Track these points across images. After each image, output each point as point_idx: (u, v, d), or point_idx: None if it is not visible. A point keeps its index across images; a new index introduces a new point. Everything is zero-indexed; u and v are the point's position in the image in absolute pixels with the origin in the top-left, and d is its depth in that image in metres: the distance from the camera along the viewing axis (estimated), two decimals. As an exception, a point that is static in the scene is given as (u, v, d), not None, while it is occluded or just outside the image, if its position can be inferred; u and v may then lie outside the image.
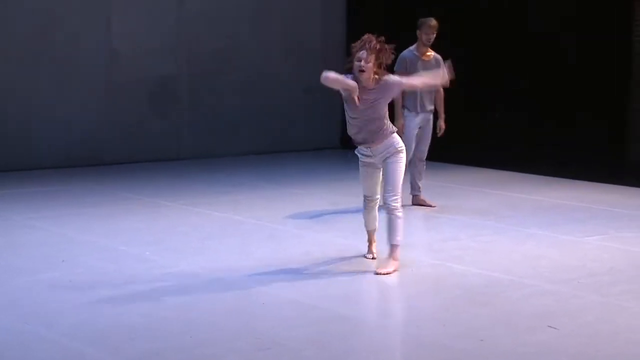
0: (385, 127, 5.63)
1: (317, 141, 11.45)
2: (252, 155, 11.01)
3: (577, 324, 4.74)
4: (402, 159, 5.66)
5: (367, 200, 5.90)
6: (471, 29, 11.07)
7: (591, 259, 6.11)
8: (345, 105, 5.69)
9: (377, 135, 5.61)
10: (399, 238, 5.67)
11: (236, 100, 11.16)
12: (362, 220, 6.03)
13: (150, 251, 6.24)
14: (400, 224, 5.65)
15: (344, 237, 6.69)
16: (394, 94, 5.81)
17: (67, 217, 7.37)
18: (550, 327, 4.65)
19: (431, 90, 7.47)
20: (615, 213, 7.59)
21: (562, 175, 9.33)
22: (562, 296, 5.22)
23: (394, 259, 5.70)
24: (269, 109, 11.34)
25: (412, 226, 6.97)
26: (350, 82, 5.52)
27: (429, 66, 7.32)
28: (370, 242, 6.06)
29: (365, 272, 5.77)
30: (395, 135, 5.67)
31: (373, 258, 5.99)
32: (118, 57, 10.35)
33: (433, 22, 7.49)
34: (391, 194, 5.61)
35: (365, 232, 6.06)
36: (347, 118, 5.71)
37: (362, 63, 5.47)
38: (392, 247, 5.71)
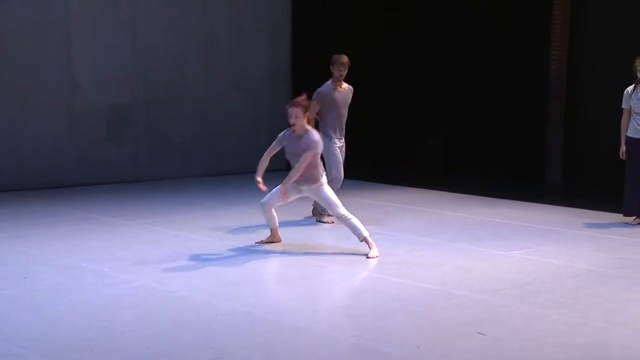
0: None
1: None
2: (204, 178, 10.93)
3: (504, 330, 4.78)
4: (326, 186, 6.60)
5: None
6: (408, 58, 11.20)
7: (516, 271, 6.18)
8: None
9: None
10: (362, 232, 6.51)
11: (188, 126, 11.09)
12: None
13: (109, 267, 6.13)
14: (355, 223, 6.53)
15: (297, 251, 6.68)
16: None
17: (28, 237, 7.21)
18: (480, 333, 4.68)
19: (341, 121, 7.84)
20: (536, 229, 7.69)
21: (487, 194, 9.44)
22: (490, 305, 5.26)
23: (371, 246, 6.50)
24: (218, 136, 11.29)
25: (351, 241, 6.99)
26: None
27: (344, 96, 7.85)
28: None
29: (310, 284, 5.75)
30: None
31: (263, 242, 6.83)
32: (78, 87, 10.21)
33: (344, 59, 7.80)
34: (336, 208, 6.55)
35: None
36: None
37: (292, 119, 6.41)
38: (364, 241, 6.50)
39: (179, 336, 4.63)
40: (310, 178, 6.56)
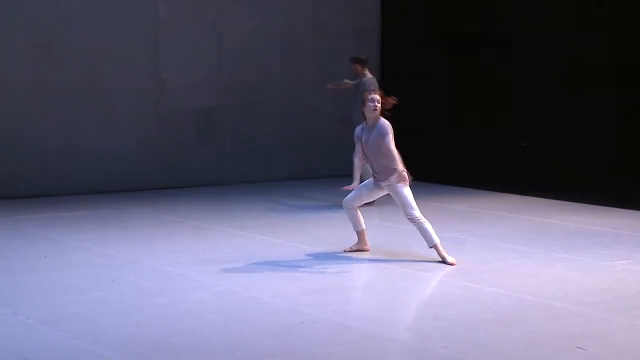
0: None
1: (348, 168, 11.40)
2: (289, 181, 10.99)
3: (605, 345, 4.62)
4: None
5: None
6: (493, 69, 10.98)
7: (618, 282, 5.98)
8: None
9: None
10: (433, 238, 6.48)
11: (273, 129, 11.18)
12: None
13: (195, 271, 6.21)
14: (427, 227, 6.49)
15: (384, 257, 6.64)
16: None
17: (114, 239, 7.37)
18: (579, 348, 4.53)
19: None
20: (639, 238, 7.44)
21: (585, 200, 9.16)
22: (589, 318, 5.10)
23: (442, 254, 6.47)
24: (303, 137, 11.33)
25: (444, 248, 6.92)
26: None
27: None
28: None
29: (398, 292, 5.70)
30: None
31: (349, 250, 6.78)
32: (166, 90, 10.43)
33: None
34: (410, 209, 6.50)
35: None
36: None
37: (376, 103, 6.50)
38: (435, 246, 6.47)
39: (264, 342, 4.64)
40: (383, 170, 6.50)
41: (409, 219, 6.57)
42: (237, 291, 5.70)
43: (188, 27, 10.54)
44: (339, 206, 8.99)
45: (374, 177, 6.63)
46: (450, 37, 11.31)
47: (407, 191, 6.57)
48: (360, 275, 6.40)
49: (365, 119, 6.60)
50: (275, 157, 11.23)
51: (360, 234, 6.86)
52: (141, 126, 10.32)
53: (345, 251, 6.83)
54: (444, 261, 6.45)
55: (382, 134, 6.46)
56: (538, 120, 10.65)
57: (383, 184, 6.59)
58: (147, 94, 10.36)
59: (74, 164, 9.96)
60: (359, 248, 6.85)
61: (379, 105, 6.52)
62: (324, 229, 7.86)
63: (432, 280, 6.08)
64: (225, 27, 10.79)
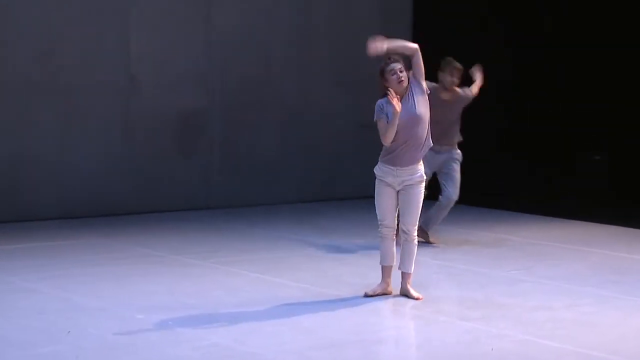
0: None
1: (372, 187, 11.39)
2: (296, 204, 10.99)
3: None
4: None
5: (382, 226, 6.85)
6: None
7: None
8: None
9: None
10: (412, 265, 6.79)
11: (276, 136, 11.18)
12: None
13: (174, 321, 6.20)
14: (415, 250, 6.79)
15: (414, 302, 6.63)
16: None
17: (73, 279, 7.36)
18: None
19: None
20: None
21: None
22: (684, 383, 5.08)
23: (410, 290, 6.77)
24: (315, 148, 11.33)
25: (494, 291, 6.93)
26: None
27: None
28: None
29: (434, 348, 5.67)
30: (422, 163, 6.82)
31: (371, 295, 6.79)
32: (138, 88, 10.46)
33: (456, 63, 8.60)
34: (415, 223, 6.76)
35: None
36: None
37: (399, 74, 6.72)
38: (408, 275, 6.74)
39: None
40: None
41: (405, 231, 6.71)
42: (230, 346, 5.68)
43: (167, 7, 10.56)
44: (362, 237, 9.02)
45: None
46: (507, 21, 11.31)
47: (422, 196, 6.74)
48: (385, 324, 6.40)
49: (386, 94, 6.70)
50: (279, 174, 11.22)
51: (385, 271, 6.88)
52: (107, 134, 10.34)
53: (366, 295, 6.82)
54: (407, 294, 6.71)
55: (425, 93, 6.80)
56: (615, 124, 10.61)
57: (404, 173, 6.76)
58: (115, 93, 10.36)
59: (22, 182, 9.99)
60: (383, 291, 6.86)
61: (404, 74, 6.70)
62: (341, 267, 7.85)
63: (478, 332, 6.05)
64: (215, 7, 10.81)
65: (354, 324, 6.23)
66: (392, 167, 6.73)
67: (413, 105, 6.71)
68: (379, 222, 6.83)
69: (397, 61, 6.73)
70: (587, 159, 10.79)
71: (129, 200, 10.37)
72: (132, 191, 10.42)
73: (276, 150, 11.20)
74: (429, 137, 6.79)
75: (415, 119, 6.69)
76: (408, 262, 6.76)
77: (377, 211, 6.84)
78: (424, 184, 6.78)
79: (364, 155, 11.44)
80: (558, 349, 5.66)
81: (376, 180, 6.83)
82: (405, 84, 6.72)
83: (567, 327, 6.12)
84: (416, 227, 6.78)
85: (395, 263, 6.84)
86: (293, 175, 11.26)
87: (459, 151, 8.73)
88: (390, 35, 11.81)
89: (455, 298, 6.83)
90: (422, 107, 6.73)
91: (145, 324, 6.14)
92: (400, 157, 6.70)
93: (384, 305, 6.67)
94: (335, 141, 11.46)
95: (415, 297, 6.72)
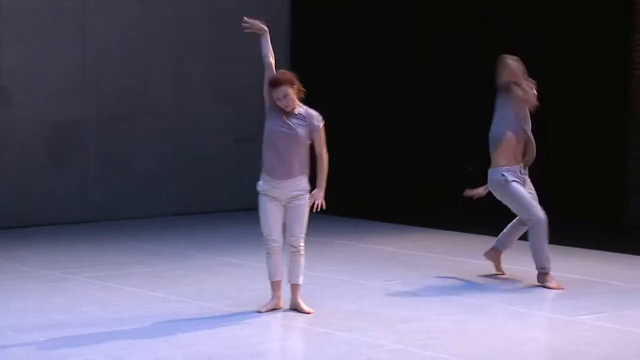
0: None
1: (251, 200, 11.38)
2: (174, 217, 10.91)
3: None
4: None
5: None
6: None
7: (586, 343, 6.10)
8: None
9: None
10: (302, 277, 6.76)
11: (154, 149, 11.08)
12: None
13: (46, 337, 6.07)
14: (303, 263, 6.76)
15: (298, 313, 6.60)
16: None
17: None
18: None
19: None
20: (613, 287, 7.63)
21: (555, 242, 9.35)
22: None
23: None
24: (192, 161, 11.27)
25: (369, 301, 6.99)
26: None
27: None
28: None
29: (312, 358, 5.68)
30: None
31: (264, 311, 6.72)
32: (9, 99, 10.24)
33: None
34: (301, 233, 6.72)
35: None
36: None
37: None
38: (298, 286, 6.70)
39: None
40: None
41: (294, 243, 6.69)
42: (102, 362, 5.59)
43: (39, 16, 10.37)
44: (243, 249, 8.98)
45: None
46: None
47: (307, 208, 6.73)
48: (263, 337, 6.37)
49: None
50: (157, 187, 11.12)
51: (274, 286, 6.81)
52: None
53: (259, 311, 6.73)
54: (297, 308, 6.69)
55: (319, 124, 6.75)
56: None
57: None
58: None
59: None
60: (274, 306, 6.80)
61: (288, 99, 6.67)
62: (219, 280, 7.81)
63: (355, 342, 6.08)
64: (91, 17, 10.67)
65: (232, 337, 6.20)
66: (273, 180, 6.67)
67: (294, 125, 6.65)
68: (266, 238, 6.73)
69: (284, 85, 6.66)
70: (461, 170, 10.99)
71: (1, 215, 10.14)
72: (4, 205, 10.20)
73: (153, 163, 11.10)
74: (305, 161, 6.71)
75: (292, 137, 6.64)
76: (297, 273, 6.71)
77: (262, 227, 6.75)
78: (307, 196, 6.71)
79: (241, 168, 11.48)
80: (431, 357, 5.72)
81: (260, 196, 6.75)
82: (290, 108, 6.67)
83: (439, 336, 6.20)
84: (304, 239, 6.72)
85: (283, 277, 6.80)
86: (170, 188, 11.17)
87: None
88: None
89: (332, 309, 6.84)
90: (301, 130, 6.65)
91: (15, 341, 5.99)
92: (278, 170, 6.66)
93: (264, 319, 6.65)
94: (213, 154, 11.42)
95: (306, 311, 6.69)
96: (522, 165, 7.65)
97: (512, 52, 7.74)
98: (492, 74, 7.75)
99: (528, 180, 7.70)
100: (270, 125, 6.71)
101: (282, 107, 6.66)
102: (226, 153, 11.46)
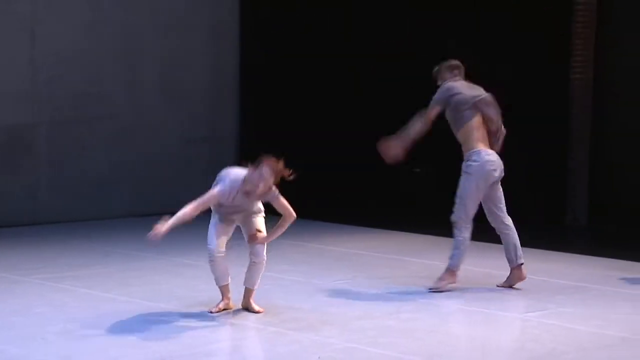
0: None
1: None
2: (127, 219, 10.88)
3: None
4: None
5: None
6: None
7: (530, 340, 6.20)
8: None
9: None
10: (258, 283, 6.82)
11: (105, 152, 11.05)
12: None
13: (0, 339, 6.06)
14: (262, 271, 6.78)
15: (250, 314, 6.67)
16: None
17: None
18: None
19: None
20: (556, 285, 7.72)
21: (490, 239, 9.41)
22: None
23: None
24: (146, 163, 11.26)
25: (320, 300, 7.06)
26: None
27: None
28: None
29: (264, 356, 5.69)
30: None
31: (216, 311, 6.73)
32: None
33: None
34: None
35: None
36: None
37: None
38: (252, 291, 6.75)
39: None
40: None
41: (255, 256, 6.70)
42: (56, 362, 5.59)
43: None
44: (194, 250, 8.96)
45: None
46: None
47: (263, 221, 6.80)
48: (217, 337, 6.38)
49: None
50: (110, 189, 11.09)
51: (222, 290, 6.84)
52: None
53: (210, 312, 6.77)
54: (248, 308, 6.74)
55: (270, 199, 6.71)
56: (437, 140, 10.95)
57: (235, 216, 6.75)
58: None
59: None
60: (225, 306, 6.82)
61: (260, 191, 6.53)
62: (173, 281, 7.82)
63: (306, 341, 6.13)
64: (41, 21, 10.61)
65: (186, 337, 6.21)
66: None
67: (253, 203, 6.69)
68: (210, 248, 6.70)
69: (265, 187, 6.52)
70: (408, 171, 11.08)
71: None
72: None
73: (106, 165, 11.08)
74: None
75: (247, 212, 6.74)
76: (254, 279, 6.74)
77: (209, 238, 6.73)
78: (262, 213, 6.78)
79: (193, 170, 11.49)
80: (381, 355, 5.79)
81: (215, 214, 6.80)
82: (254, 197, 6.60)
83: (389, 334, 6.26)
84: (265, 249, 6.73)
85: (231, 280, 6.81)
86: (124, 189, 11.16)
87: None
88: (216, 49, 11.86)
89: (284, 308, 6.89)
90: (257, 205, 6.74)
91: (-32, 343, 5.97)
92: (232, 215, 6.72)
93: (218, 319, 6.66)
94: (166, 156, 11.41)
95: (257, 310, 6.74)
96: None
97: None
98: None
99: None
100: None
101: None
102: (178, 155, 11.47)
